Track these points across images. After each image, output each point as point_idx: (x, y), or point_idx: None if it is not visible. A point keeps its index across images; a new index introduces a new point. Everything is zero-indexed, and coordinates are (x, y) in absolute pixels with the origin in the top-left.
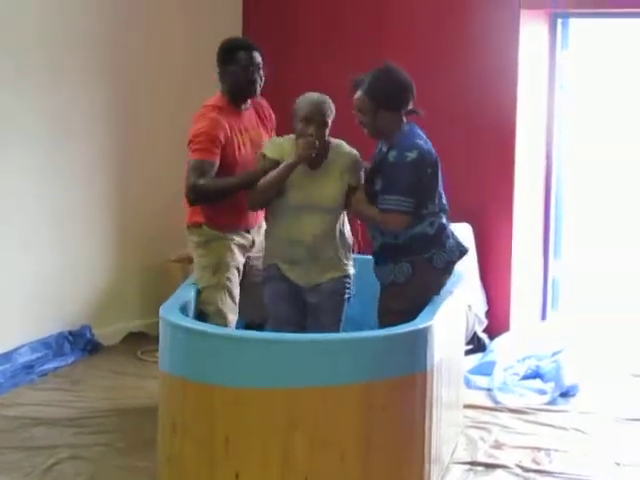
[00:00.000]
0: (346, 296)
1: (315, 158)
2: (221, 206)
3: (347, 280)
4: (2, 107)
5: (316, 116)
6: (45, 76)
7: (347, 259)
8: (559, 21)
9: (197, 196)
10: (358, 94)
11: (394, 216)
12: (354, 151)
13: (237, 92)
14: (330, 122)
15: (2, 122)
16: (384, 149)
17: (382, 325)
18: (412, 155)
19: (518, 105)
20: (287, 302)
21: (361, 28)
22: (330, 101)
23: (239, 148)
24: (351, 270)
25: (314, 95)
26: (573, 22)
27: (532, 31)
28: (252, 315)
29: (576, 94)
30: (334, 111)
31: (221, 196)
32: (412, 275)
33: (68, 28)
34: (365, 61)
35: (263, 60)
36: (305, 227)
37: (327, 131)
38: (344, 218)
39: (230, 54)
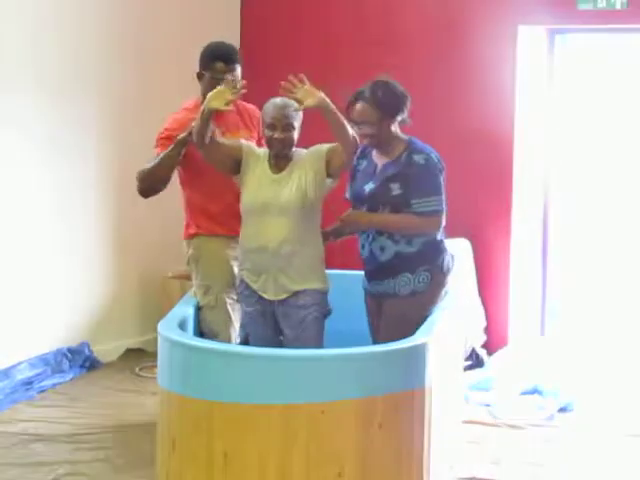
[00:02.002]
0: (322, 312)
1: (279, 161)
2: (210, 216)
3: (322, 295)
4: (1, 126)
5: (280, 121)
6: (43, 94)
7: (321, 270)
8: (557, 37)
9: (139, 181)
10: (360, 105)
11: (437, 217)
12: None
13: None
14: (297, 125)
15: (1, 139)
16: (381, 159)
17: (395, 336)
18: (436, 155)
19: (516, 121)
20: (261, 325)
21: (360, 39)
22: (295, 104)
23: None
24: (325, 283)
25: (277, 100)
26: (571, 38)
27: (530, 47)
28: None
29: (574, 110)
30: (301, 114)
31: (152, 174)
32: (430, 283)
33: (66, 39)
34: (363, 72)
35: (242, 70)
36: (269, 231)
37: (295, 134)
38: (317, 224)
39: (210, 61)
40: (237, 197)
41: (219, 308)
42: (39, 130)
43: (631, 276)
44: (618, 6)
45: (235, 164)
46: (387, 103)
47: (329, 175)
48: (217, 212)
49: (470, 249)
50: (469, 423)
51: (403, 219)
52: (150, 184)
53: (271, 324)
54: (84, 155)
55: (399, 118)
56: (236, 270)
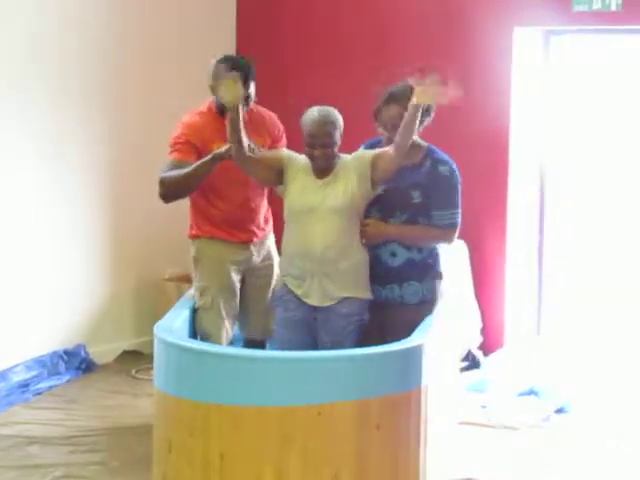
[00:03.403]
0: (362, 322)
1: (323, 169)
2: (212, 220)
3: (365, 305)
4: (0, 125)
5: (318, 138)
6: (44, 94)
7: (365, 277)
8: (553, 38)
9: (162, 188)
10: (395, 109)
11: (454, 230)
12: (364, 150)
13: (219, 111)
14: (337, 137)
15: (1, 146)
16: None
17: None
18: (456, 165)
19: (511, 122)
20: (296, 331)
21: (359, 41)
22: (334, 114)
23: None
24: (369, 292)
25: (315, 113)
26: (567, 39)
27: (526, 49)
28: (253, 333)
29: (570, 111)
30: (341, 123)
31: (181, 183)
32: (437, 290)
33: (63, 46)
34: (362, 75)
35: (255, 82)
36: (315, 235)
37: (335, 148)
38: (358, 231)
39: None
40: (241, 204)
41: (214, 310)
42: (38, 130)
43: (627, 277)
44: (613, 7)
45: (277, 175)
46: (425, 109)
47: (373, 182)
48: (219, 217)
49: (466, 250)
50: (465, 424)
51: (422, 231)
52: (176, 191)
53: (308, 331)
54: (82, 156)
55: (424, 123)
56: (234, 275)
